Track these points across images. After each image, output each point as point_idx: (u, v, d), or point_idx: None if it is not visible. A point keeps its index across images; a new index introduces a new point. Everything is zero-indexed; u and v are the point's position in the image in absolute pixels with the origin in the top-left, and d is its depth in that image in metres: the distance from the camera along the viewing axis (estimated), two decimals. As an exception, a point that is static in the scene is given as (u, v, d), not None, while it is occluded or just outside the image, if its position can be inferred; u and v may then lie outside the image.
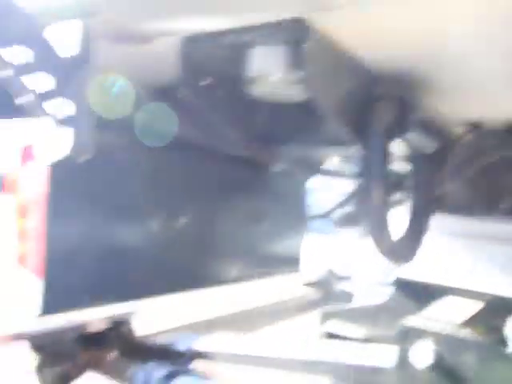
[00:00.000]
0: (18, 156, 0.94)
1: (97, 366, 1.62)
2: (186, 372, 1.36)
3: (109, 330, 1.45)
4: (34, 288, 0.95)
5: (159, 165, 1.21)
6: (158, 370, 1.36)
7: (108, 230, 1.09)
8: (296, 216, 1.85)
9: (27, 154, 0.93)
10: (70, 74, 0.71)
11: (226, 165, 1.37)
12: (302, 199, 1.91)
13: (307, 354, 1.28)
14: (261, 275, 1.67)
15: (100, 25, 0.72)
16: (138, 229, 1.19)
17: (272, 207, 1.68)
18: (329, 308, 1.89)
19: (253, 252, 1.64)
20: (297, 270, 1.91)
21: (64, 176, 0.93)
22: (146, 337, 1.68)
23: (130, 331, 1.55)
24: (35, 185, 0.95)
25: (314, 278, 2.47)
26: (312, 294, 2.39)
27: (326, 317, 1.63)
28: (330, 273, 2.50)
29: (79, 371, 1.61)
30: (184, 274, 1.34)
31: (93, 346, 1.52)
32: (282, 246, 1.78)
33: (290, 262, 1.84)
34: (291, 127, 1.07)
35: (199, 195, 1.36)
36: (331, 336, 1.57)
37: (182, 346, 1.46)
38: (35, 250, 0.96)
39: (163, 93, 1.03)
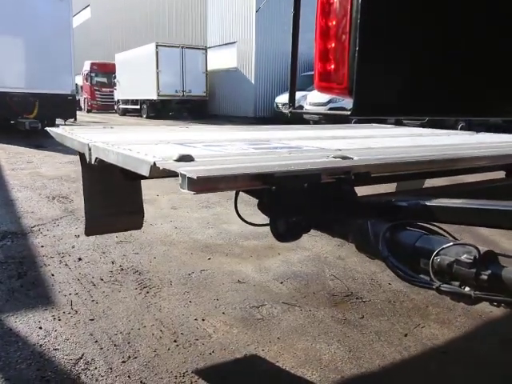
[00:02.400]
0: None
1: (320, 224, 1.64)
2: (412, 224, 1.36)
3: (331, 185, 1.44)
4: None
5: None
6: (383, 223, 1.36)
7: (417, 45, 0.96)
8: None
9: None
10: None
11: None
12: None
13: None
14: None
15: None
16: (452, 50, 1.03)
17: None
18: None
19: None
20: None
21: None
22: (366, 196, 1.68)
23: (351, 189, 1.55)
24: None
25: None
26: None
27: None
28: None
29: (307, 226, 1.64)
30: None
31: (317, 202, 1.53)
32: None
33: None
34: None
35: None
36: None
37: (402, 203, 1.48)
38: (339, 50, 0.86)
39: None
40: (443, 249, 1.14)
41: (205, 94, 22.36)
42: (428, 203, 1.37)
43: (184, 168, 1.19)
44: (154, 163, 1.28)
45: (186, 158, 1.33)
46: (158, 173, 1.29)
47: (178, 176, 1.19)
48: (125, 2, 32.38)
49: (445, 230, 1.41)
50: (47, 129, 2.55)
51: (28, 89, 11.74)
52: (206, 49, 22.36)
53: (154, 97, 21.42)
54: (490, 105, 1.16)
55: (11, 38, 11.69)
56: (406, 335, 2.38)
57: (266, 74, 20.82)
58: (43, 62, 11.86)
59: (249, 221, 2.29)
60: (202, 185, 1.16)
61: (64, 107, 12.27)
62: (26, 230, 3.94)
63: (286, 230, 1.63)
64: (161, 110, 21.84)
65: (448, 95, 1.04)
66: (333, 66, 0.89)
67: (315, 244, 3.75)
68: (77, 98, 14.96)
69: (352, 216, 1.45)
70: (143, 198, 5.49)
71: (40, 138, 11.28)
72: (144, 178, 2.46)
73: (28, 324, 2.36)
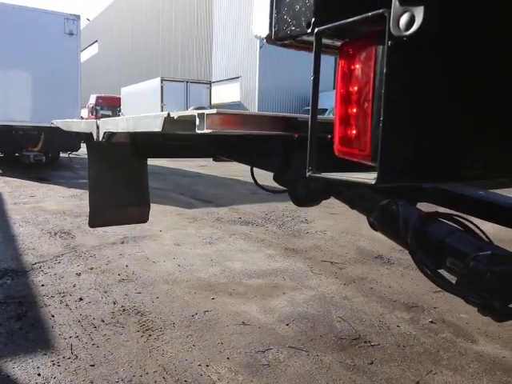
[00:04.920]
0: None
1: (340, 192, 1.55)
2: (443, 216, 1.31)
3: None
4: None
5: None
6: (414, 209, 1.29)
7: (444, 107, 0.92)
8: None
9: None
10: None
11: None
12: None
13: None
14: None
15: None
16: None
17: None
18: None
19: None
20: None
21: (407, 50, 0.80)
22: None
23: None
24: (370, 53, 0.84)
25: None
26: None
27: None
28: None
29: (327, 192, 1.55)
30: None
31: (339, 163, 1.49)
32: None
33: None
34: None
35: None
36: None
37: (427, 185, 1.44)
38: (361, 116, 0.85)
39: None
40: (479, 255, 1.08)
41: (208, 127, 22.62)
42: (454, 191, 1.30)
43: (201, 111, 1.16)
44: (168, 114, 1.25)
45: (202, 108, 1.29)
46: (172, 124, 1.25)
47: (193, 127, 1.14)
48: (132, 39, 33.25)
49: (478, 227, 1.35)
50: (53, 121, 2.52)
51: (33, 122, 11.87)
52: (210, 83, 22.79)
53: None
54: None
55: (19, 72, 11.94)
56: (417, 383, 2.29)
57: (268, 107, 21.15)
58: (50, 96, 12.06)
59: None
60: (221, 121, 1.11)
61: (69, 141, 12.37)
62: (27, 267, 3.89)
63: (305, 193, 1.57)
64: (164, 142, 22.06)
65: (477, 160, 1.02)
66: (354, 132, 0.87)
67: (320, 283, 3.68)
68: (82, 131, 15.14)
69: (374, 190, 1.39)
70: (145, 233, 5.44)
71: (44, 170, 11.35)
72: (152, 153, 2.32)
73: (26, 370, 2.28)
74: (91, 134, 1.97)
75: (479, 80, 0.94)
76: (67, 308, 3.05)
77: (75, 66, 12.70)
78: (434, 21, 0.70)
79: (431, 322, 2.98)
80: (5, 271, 3.74)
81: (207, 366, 2.39)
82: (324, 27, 0.87)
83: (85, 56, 37.87)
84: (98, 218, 2.31)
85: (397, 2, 0.73)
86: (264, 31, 1.01)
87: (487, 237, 1.32)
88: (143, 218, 2.45)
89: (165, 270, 3.94)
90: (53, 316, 2.91)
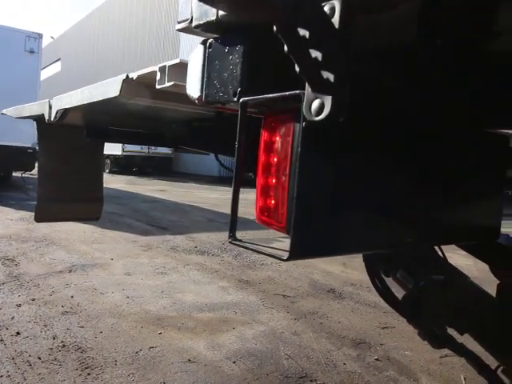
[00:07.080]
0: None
1: None
2: None
3: None
4: None
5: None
6: None
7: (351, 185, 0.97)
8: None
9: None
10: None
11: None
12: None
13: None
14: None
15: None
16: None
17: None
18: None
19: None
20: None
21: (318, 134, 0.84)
22: None
23: None
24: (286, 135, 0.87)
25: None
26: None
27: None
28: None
29: None
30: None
31: None
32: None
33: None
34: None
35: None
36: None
37: None
38: (279, 189, 0.87)
39: (402, 55, 1.02)
40: (432, 277, 1.09)
41: (170, 152, 22.46)
42: None
43: (163, 64, 1.11)
44: (127, 76, 1.16)
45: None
46: (131, 87, 1.17)
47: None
48: (95, 59, 32.97)
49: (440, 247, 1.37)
50: (3, 111, 2.38)
51: (-15, 140, 11.42)
52: (173, 107, 22.73)
53: (119, 152, 21.31)
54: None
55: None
56: (359, 425, 2.28)
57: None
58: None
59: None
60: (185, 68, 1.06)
61: (23, 160, 11.95)
62: (-37, 297, 3.66)
63: None
64: (124, 165, 21.67)
65: (386, 232, 1.06)
66: (273, 202, 0.88)
67: (271, 317, 3.65)
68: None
69: None
70: (95, 261, 5.27)
71: (-6, 191, 10.87)
72: (109, 135, 2.16)
73: None
74: (43, 116, 1.82)
75: (385, 164, 0.99)
76: (1, 343, 2.87)
77: (34, 83, 12.41)
78: (342, 109, 0.73)
79: (377, 359, 3.01)
80: None
81: (147, 408, 2.29)
82: (247, 98, 0.89)
83: (46, 74, 37.13)
84: (46, 212, 2.11)
85: (309, 88, 0.75)
86: (196, 93, 1.01)
87: (444, 256, 1.34)
88: (95, 215, 2.26)
89: (112, 301, 3.81)
90: (-15, 352, 2.74)
